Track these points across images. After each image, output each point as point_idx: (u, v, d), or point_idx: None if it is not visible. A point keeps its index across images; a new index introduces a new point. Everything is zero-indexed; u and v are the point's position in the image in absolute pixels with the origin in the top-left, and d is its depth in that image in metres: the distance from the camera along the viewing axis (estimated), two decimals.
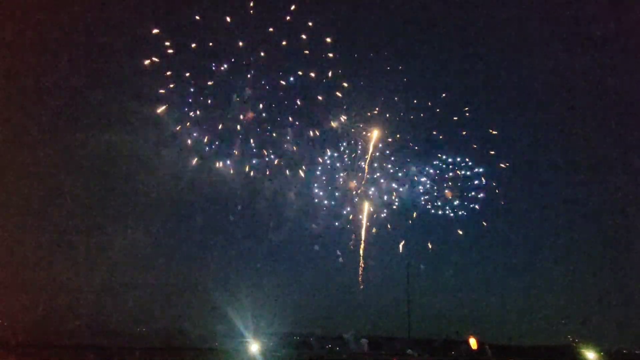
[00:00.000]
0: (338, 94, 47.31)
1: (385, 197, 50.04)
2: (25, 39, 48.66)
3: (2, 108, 49.64)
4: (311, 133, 48.56)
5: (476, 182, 50.27)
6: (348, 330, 56.21)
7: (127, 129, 50.18)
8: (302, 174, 49.16)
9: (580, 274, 55.00)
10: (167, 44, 44.58)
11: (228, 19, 45.29)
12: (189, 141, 47.06)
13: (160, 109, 45.67)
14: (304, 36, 45.80)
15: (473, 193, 50.36)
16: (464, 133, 50.00)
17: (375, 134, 48.45)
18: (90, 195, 55.35)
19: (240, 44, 45.85)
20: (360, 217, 49.65)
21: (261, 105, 47.78)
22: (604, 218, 56.63)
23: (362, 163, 48.96)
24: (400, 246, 49.71)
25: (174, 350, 53.30)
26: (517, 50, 56.75)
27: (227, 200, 52.78)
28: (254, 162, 48.65)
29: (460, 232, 50.24)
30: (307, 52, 46.36)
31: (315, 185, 50.09)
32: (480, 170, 50.29)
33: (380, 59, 49.94)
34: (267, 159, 48.70)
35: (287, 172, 49.03)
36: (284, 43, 46.09)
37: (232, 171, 48.32)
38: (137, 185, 53.58)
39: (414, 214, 50.38)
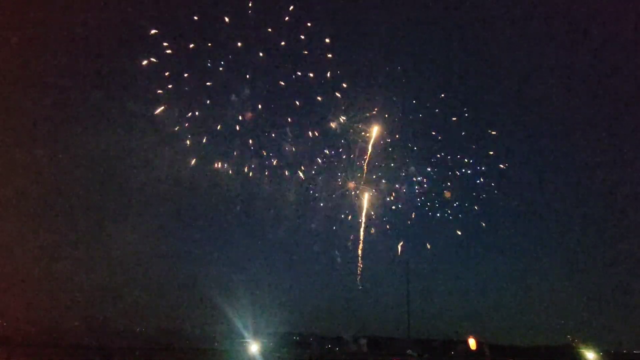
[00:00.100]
0: (337, 94, 47.29)
1: (384, 198, 50.05)
2: (22, 39, 48.65)
3: None
4: (310, 133, 48.58)
5: (475, 182, 50.29)
6: (347, 330, 56.39)
7: (125, 130, 50.36)
8: (301, 174, 49.17)
9: (579, 274, 55.14)
10: (166, 44, 44.52)
11: (227, 19, 45.26)
12: (188, 142, 47.05)
13: (159, 110, 45.65)
14: (302, 36, 45.80)
15: (472, 193, 50.38)
16: (463, 133, 50.00)
17: (374, 135, 48.43)
18: (89, 195, 55.61)
19: (239, 44, 45.82)
20: (359, 217, 49.67)
21: (260, 106, 47.78)
22: (604, 218, 56.73)
23: (361, 163, 48.95)
24: (399, 247, 49.75)
25: (173, 350, 53.39)
26: (517, 50, 56.90)
27: (226, 200, 52.91)
28: (252, 162, 48.68)
29: (459, 233, 50.27)
30: (305, 52, 46.34)
31: (314, 185, 50.13)
32: (480, 170, 50.29)
33: (379, 59, 50.00)
34: (265, 159, 48.73)
35: (286, 172, 49.06)
36: (282, 43, 46.06)
37: (230, 172, 48.33)
38: (136, 186, 53.71)
39: (413, 215, 50.41)
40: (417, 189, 50.33)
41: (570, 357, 49.20)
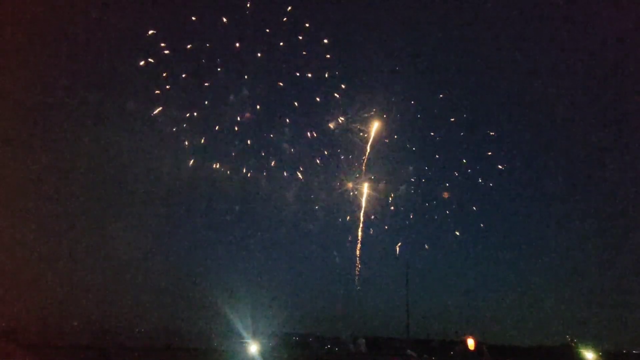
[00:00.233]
0: (335, 94, 47.25)
1: (383, 198, 50.00)
2: (20, 40, 48.85)
3: None
4: (309, 134, 48.56)
5: (474, 183, 50.21)
6: (347, 330, 56.42)
7: (123, 131, 50.42)
8: (299, 174, 49.15)
9: (579, 274, 55.06)
10: (163, 44, 44.49)
11: (224, 20, 45.23)
12: (186, 142, 47.05)
13: (157, 110, 45.65)
14: (301, 37, 45.76)
15: (471, 194, 50.31)
16: (462, 134, 49.93)
17: (372, 135, 48.40)
18: (88, 196, 55.70)
19: (237, 44, 45.79)
20: (358, 217, 49.63)
21: (258, 106, 47.76)
22: (603, 218, 56.64)
23: (360, 164, 48.91)
24: (397, 248, 49.72)
25: (173, 350, 53.47)
26: (516, 51, 56.80)
27: (224, 201, 52.97)
28: (251, 163, 48.66)
29: (458, 233, 50.23)
30: (304, 52, 46.31)
31: (313, 186, 50.09)
32: (478, 171, 50.22)
33: (378, 60, 50.03)
34: (264, 160, 48.71)
35: (285, 173, 49.05)
36: (281, 44, 46.04)
37: (229, 172, 48.34)
38: (135, 187, 53.85)
39: (411, 215, 50.36)
40: (416, 190, 50.36)
41: (569, 357, 49.15)
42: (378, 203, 49.64)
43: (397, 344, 55.39)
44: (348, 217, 49.80)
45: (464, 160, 49.71)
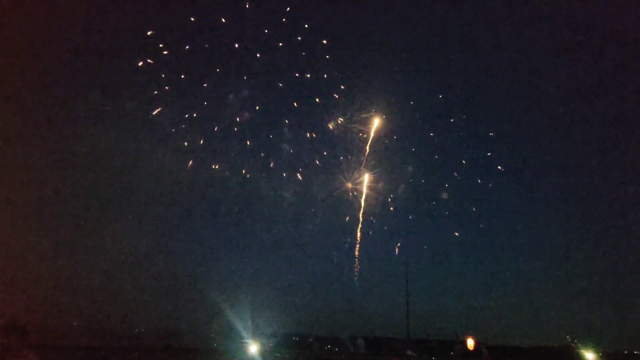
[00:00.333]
0: (335, 95, 47.23)
1: (382, 199, 49.96)
2: (19, 40, 48.88)
3: None
4: (308, 134, 48.54)
5: (473, 183, 50.18)
6: (346, 331, 56.44)
7: (122, 131, 50.43)
8: (298, 175, 49.15)
9: (579, 274, 54.98)
10: (162, 45, 44.51)
11: (224, 20, 45.23)
12: (185, 143, 47.05)
13: (156, 111, 45.66)
14: (299, 38, 45.76)
15: (470, 195, 50.30)
16: (461, 134, 49.91)
17: (371, 136, 48.37)
18: (87, 196, 55.84)
19: (236, 45, 45.79)
20: (357, 218, 49.59)
21: (257, 107, 47.76)
22: (603, 219, 56.59)
23: (359, 164, 48.90)
24: (397, 248, 49.71)
25: (173, 350, 53.55)
26: (516, 52, 56.81)
27: (224, 201, 53.01)
28: (250, 163, 48.66)
29: (457, 234, 50.19)
30: (303, 53, 46.30)
31: (312, 186, 50.07)
32: (478, 171, 50.19)
33: (377, 60, 49.97)
34: (263, 160, 48.70)
35: (284, 173, 49.04)
36: (280, 44, 46.04)
37: (228, 173, 48.35)
38: (134, 187, 53.86)
39: (410, 216, 50.32)
40: (415, 190, 50.31)
41: (570, 357, 49.06)
42: (377, 203, 49.60)
43: (397, 344, 55.37)
44: (347, 218, 49.74)
45: (464, 161, 49.78)
